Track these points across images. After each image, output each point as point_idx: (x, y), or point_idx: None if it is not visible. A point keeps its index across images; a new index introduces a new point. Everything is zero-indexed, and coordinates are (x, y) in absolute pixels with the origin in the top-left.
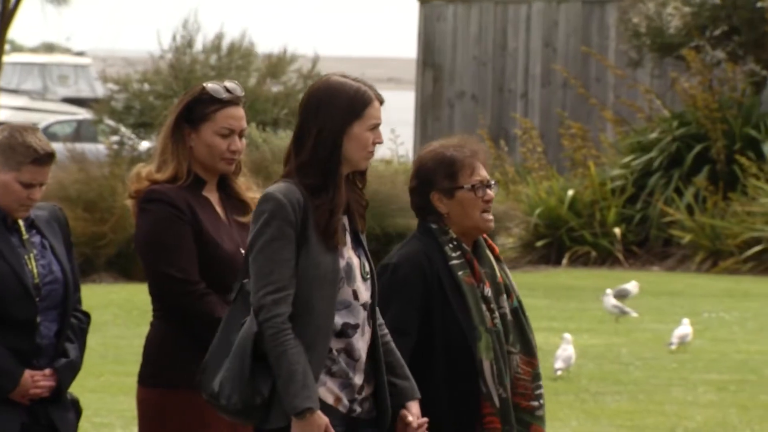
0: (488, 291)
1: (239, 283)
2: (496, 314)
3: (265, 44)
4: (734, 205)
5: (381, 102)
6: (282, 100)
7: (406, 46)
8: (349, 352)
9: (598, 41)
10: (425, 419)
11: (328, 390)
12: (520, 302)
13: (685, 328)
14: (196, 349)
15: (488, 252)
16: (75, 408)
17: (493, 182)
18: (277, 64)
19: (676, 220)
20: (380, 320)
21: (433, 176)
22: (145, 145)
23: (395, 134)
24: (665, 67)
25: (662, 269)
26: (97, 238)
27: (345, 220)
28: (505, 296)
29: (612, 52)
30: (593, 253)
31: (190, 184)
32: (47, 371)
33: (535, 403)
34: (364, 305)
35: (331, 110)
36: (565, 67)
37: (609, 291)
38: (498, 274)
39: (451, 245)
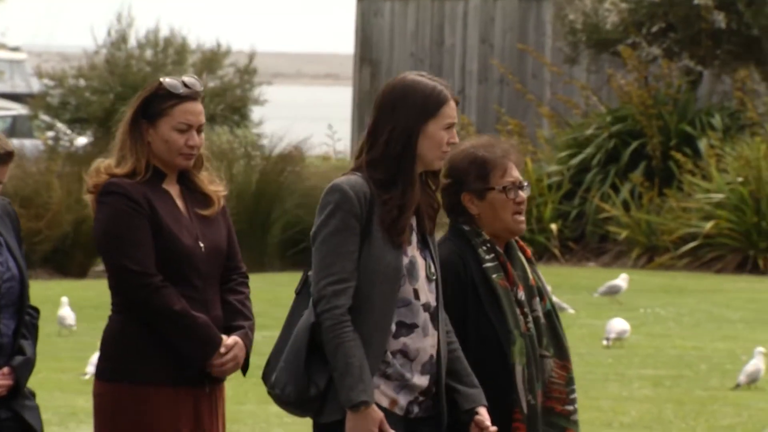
0: (522, 294)
1: (305, 274)
2: (530, 318)
3: (201, 39)
4: (670, 201)
5: (457, 102)
6: (219, 95)
7: (344, 42)
8: (405, 353)
9: (534, 38)
10: (495, 427)
11: (382, 393)
12: (552, 305)
13: (622, 324)
14: (153, 343)
15: (520, 254)
16: (34, 398)
17: (525, 183)
18: (211, 58)
19: (612, 216)
20: (449, 328)
21: (465, 177)
22: (81, 140)
23: (333, 130)
24: (601, 64)
25: (598, 265)
26: (33, 234)
27: (413, 220)
28: (538, 299)
29: (549, 48)
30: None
31: (149, 177)
32: (5, 370)
33: (570, 408)
34: (425, 306)
35: (407, 108)
36: (502, 64)
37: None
38: (530, 276)
39: (484, 247)
